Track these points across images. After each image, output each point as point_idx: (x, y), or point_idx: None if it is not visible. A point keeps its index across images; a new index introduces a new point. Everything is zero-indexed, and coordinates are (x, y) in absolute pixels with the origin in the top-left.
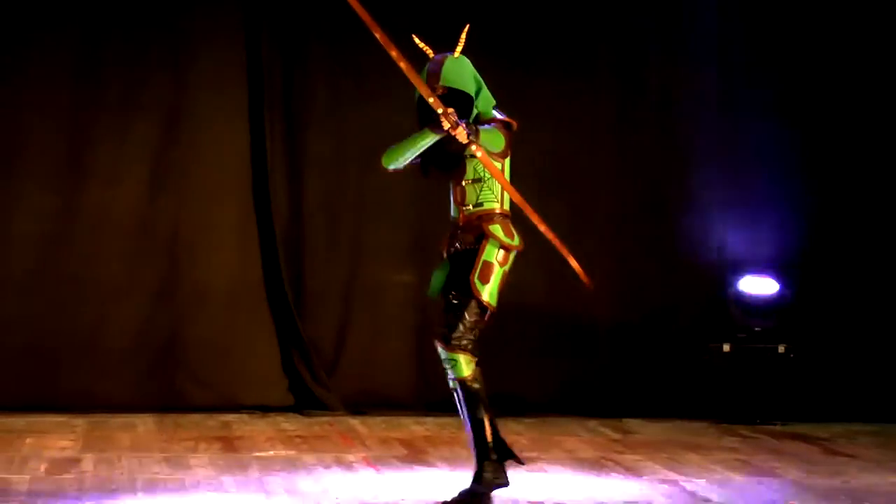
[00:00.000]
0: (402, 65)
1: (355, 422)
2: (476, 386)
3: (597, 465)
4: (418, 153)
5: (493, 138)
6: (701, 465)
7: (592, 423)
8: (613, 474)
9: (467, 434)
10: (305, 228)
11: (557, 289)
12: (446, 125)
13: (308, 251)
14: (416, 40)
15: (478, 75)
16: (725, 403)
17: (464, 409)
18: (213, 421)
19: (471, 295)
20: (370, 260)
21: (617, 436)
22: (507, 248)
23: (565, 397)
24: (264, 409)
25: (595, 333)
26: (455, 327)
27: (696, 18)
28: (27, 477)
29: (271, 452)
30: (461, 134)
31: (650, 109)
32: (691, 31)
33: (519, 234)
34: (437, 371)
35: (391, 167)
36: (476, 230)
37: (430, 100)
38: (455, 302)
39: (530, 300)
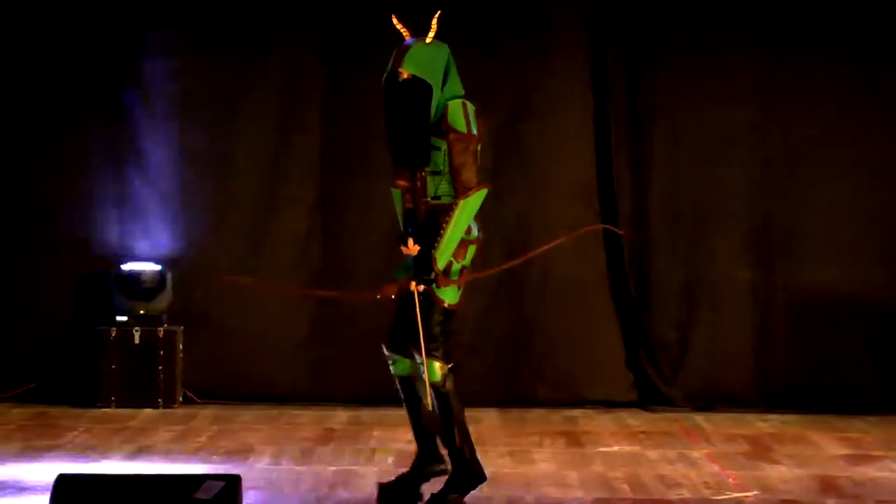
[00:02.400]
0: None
1: (700, 418)
2: (446, 390)
3: None
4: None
5: (461, 220)
6: None
7: None
8: None
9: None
10: (649, 225)
11: None
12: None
13: (652, 248)
14: (395, 21)
15: (451, 62)
16: None
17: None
18: (558, 416)
19: (432, 301)
20: (713, 257)
21: None
22: (463, 243)
23: None
24: (609, 404)
25: None
26: (423, 334)
27: None
28: (375, 469)
29: (615, 448)
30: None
31: None
32: None
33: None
34: (779, 367)
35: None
36: (433, 224)
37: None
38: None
39: (871, 293)
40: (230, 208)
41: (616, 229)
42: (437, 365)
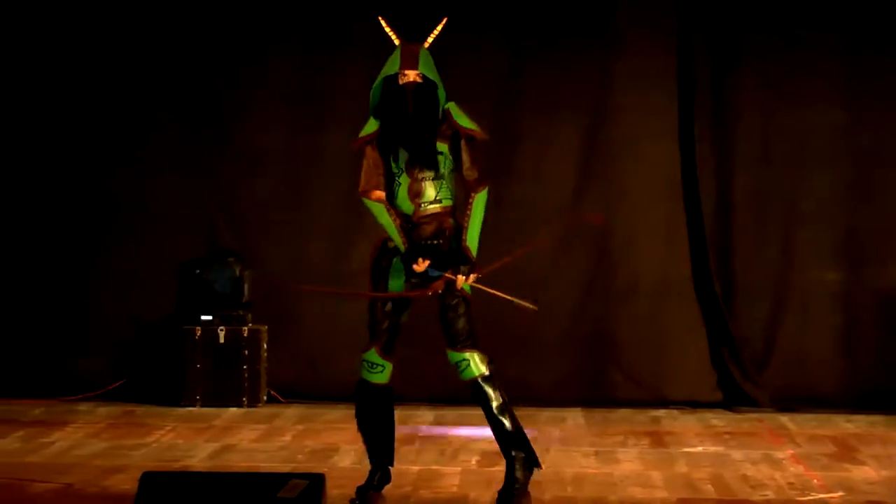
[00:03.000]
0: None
1: (784, 418)
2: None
3: None
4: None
5: (480, 211)
6: None
7: None
8: None
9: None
10: (734, 225)
11: None
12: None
13: (737, 248)
14: (383, 23)
15: None
16: None
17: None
18: (642, 416)
19: (463, 294)
20: (799, 257)
21: None
22: None
23: None
24: (693, 404)
25: None
26: (462, 328)
27: None
28: (458, 469)
29: (700, 448)
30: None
31: None
32: None
33: None
34: (866, 368)
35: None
36: (436, 226)
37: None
38: (450, 303)
39: None
40: (320, 208)
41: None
42: (481, 356)
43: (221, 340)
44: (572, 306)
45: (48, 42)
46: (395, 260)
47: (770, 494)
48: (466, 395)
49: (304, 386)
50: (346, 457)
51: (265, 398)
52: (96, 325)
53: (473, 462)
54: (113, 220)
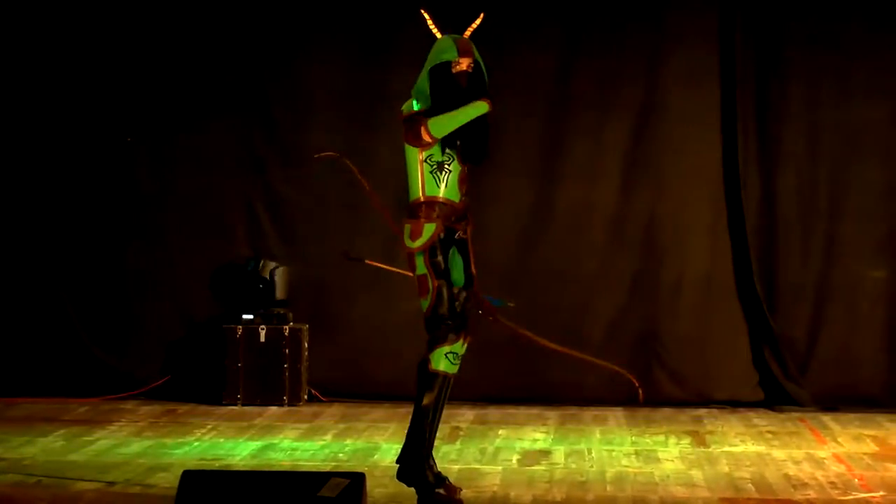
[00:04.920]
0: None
1: (827, 418)
2: None
3: None
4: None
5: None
6: None
7: None
8: None
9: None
10: (777, 224)
11: None
12: None
13: (780, 247)
14: (426, 17)
15: None
16: None
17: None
18: (684, 415)
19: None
20: (843, 256)
21: None
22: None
23: None
24: (734, 404)
25: None
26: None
27: None
28: (499, 468)
29: (741, 447)
30: None
31: None
32: None
33: None
34: None
35: (440, 136)
36: (466, 219)
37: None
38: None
39: None
40: (368, 209)
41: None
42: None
43: (262, 339)
44: (618, 305)
45: (94, 41)
46: (451, 252)
47: (812, 494)
48: (508, 393)
49: (344, 385)
50: (387, 455)
51: (306, 397)
52: (140, 324)
53: (514, 461)
54: (158, 218)
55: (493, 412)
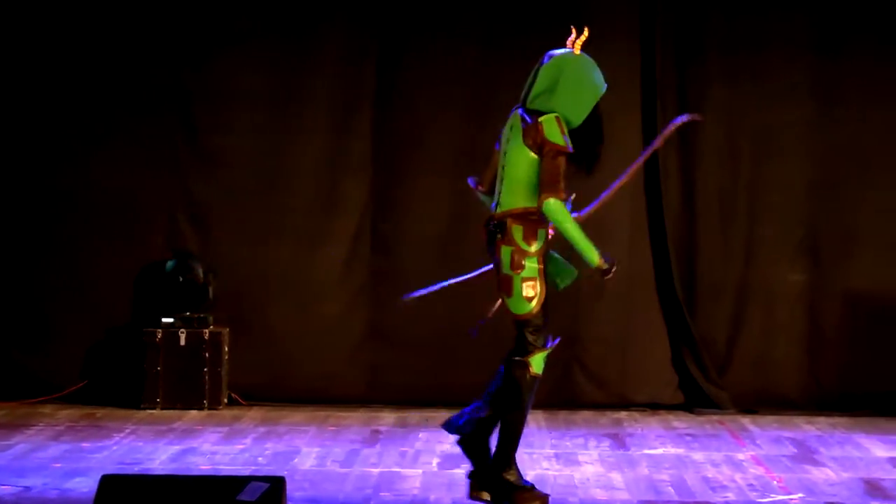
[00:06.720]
0: None
1: (746, 420)
2: None
3: None
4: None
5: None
6: None
7: None
8: None
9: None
10: (697, 226)
11: None
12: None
13: (700, 249)
14: (584, 35)
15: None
16: None
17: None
18: (604, 418)
19: None
20: (763, 258)
21: None
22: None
23: None
24: (654, 406)
25: None
26: None
27: None
28: (419, 471)
29: (661, 450)
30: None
31: None
32: None
33: None
34: (830, 370)
35: (546, 212)
36: None
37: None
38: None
39: None
40: (286, 210)
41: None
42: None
43: (182, 343)
44: None
45: (5, 39)
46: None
47: (731, 496)
48: (429, 396)
49: (265, 388)
50: (307, 459)
51: (226, 401)
52: (58, 327)
53: (434, 464)
54: (76, 220)
55: (414, 415)
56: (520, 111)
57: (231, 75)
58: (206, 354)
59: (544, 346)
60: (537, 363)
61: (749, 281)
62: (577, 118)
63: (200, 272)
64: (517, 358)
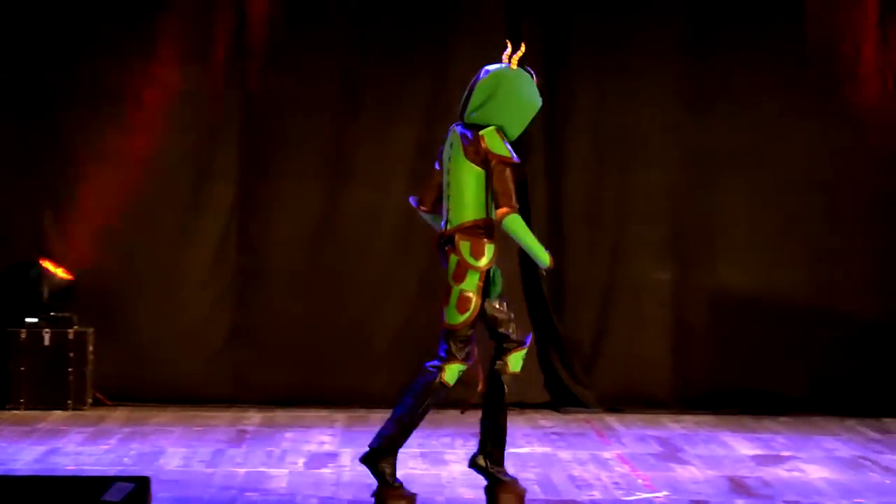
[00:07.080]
0: None
1: (612, 419)
2: None
3: (854, 464)
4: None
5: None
6: None
7: (850, 422)
8: (871, 474)
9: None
10: (563, 224)
11: (815, 285)
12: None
13: (566, 248)
14: (520, 51)
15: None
16: None
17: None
18: (472, 417)
19: None
20: (629, 258)
21: (876, 435)
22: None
23: (823, 395)
24: (521, 405)
25: (853, 330)
26: None
27: None
28: (286, 471)
29: (527, 449)
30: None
31: None
32: None
33: None
34: (696, 369)
35: (506, 227)
36: None
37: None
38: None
39: (788, 296)
40: (152, 213)
41: None
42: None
43: (47, 343)
44: (405, 311)
45: None
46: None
47: (597, 494)
48: (296, 396)
49: (130, 389)
50: (173, 459)
51: (91, 401)
52: None
53: (301, 464)
54: None
55: (281, 415)
56: (458, 128)
57: (94, 73)
58: (71, 354)
59: (464, 360)
60: (451, 374)
61: (615, 281)
62: (515, 132)
63: (64, 272)
64: (435, 364)
